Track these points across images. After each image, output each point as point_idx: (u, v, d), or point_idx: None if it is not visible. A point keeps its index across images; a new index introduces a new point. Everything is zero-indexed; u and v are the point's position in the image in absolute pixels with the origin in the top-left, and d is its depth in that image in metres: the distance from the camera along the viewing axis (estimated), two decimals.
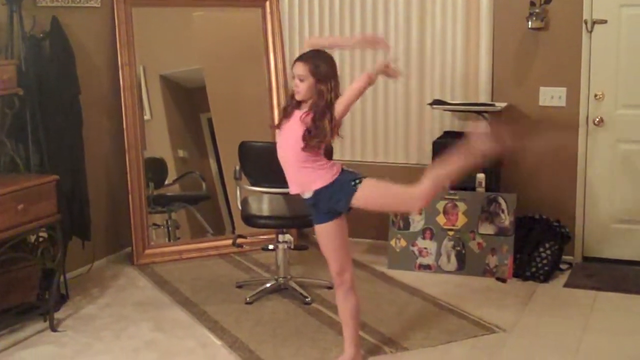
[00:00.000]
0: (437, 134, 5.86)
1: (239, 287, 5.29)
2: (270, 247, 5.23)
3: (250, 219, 5.08)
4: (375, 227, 5.91)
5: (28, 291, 4.74)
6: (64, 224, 4.86)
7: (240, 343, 4.42)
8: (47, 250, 4.69)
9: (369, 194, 3.87)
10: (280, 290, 5.15)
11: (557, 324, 4.65)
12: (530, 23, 5.52)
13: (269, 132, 6.16)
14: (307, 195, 3.94)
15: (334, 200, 3.88)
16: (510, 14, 5.61)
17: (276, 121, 4.05)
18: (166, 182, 6.26)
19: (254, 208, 5.18)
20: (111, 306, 5.03)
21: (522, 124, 5.63)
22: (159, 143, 6.25)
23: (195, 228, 6.35)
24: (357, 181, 3.85)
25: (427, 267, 5.55)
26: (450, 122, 5.88)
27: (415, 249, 5.59)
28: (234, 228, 6.12)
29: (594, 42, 5.46)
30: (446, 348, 4.34)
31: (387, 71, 4.01)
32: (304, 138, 3.83)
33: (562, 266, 5.51)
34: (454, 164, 3.83)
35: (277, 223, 5.12)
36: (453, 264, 5.51)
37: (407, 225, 5.62)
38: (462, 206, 5.50)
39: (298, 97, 3.90)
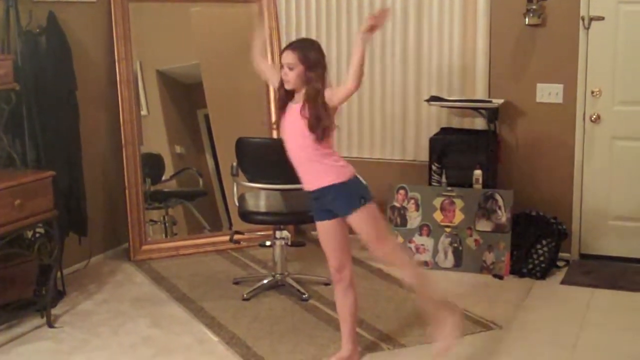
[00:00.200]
0: (434, 130, 5.86)
1: (236, 283, 5.29)
2: (268, 243, 5.22)
3: (247, 215, 5.07)
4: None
5: (25, 287, 4.74)
6: (61, 219, 4.85)
7: (237, 339, 4.42)
8: (44, 246, 4.68)
9: (365, 218, 3.87)
10: (277, 286, 5.15)
11: (553, 321, 4.65)
12: (527, 19, 5.52)
13: (266, 128, 6.18)
14: (313, 187, 3.93)
15: (336, 203, 3.88)
16: (508, 10, 5.61)
17: (273, 119, 4.04)
18: (163, 178, 6.25)
19: (251, 204, 5.17)
20: (108, 302, 5.03)
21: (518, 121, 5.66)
22: (156, 139, 6.24)
23: (193, 224, 6.34)
24: (364, 201, 3.85)
25: (424, 264, 5.55)
26: (447, 119, 5.88)
27: (412, 245, 5.59)
28: (231, 224, 6.12)
29: (591, 39, 5.46)
30: None
31: (374, 23, 3.77)
32: (310, 129, 3.81)
33: (559, 263, 5.51)
34: (432, 301, 3.92)
35: (274, 219, 5.12)
36: (450, 260, 5.52)
37: (404, 221, 5.62)
38: (459, 203, 5.50)
39: (288, 86, 3.89)
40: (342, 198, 3.86)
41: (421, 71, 5.92)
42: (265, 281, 5.16)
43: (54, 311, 4.76)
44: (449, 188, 5.55)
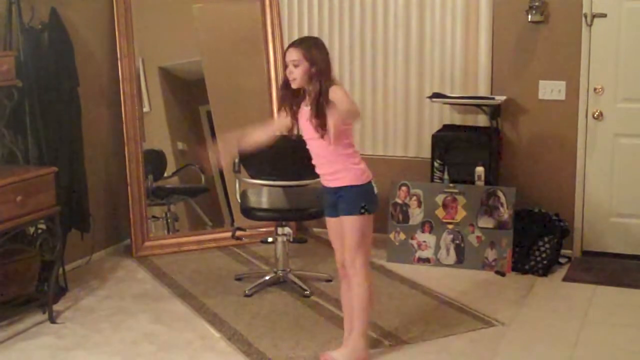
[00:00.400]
0: (437, 127, 5.85)
1: (238, 279, 5.29)
2: (270, 239, 5.23)
3: (249, 212, 5.07)
4: (374, 220, 5.90)
5: (27, 283, 4.74)
6: (63, 215, 4.86)
7: (239, 335, 4.42)
8: (46, 242, 4.68)
9: (357, 227, 3.91)
10: (279, 283, 5.15)
11: (555, 318, 4.65)
12: (530, 16, 5.51)
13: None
14: (330, 185, 3.96)
15: (339, 202, 3.90)
16: (510, 7, 5.60)
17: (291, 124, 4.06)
18: (165, 175, 6.25)
19: (253, 201, 5.17)
20: (110, 298, 5.03)
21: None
22: (158, 135, 6.25)
23: (194, 220, 6.35)
24: (364, 211, 3.88)
25: (426, 261, 5.56)
26: (450, 116, 5.87)
27: (414, 242, 5.59)
28: (233, 220, 6.11)
29: (594, 36, 5.45)
30: (445, 341, 4.34)
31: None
32: (315, 129, 3.84)
33: (561, 260, 5.51)
34: (359, 325, 4.03)
35: (276, 216, 5.12)
36: (452, 257, 5.51)
37: (406, 218, 5.62)
38: (461, 200, 5.50)
39: (294, 85, 3.89)
40: (346, 200, 3.89)
41: (423, 68, 5.91)
42: (267, 277, 5.16)
43: (55, 307, 4.76)
44: (451, 185, 5.55)
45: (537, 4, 5.47)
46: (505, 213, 5.42)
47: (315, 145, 3.94)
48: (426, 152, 5.82)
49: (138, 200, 5.84)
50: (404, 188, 5.64)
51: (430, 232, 5.56)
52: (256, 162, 5.08)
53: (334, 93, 3.79)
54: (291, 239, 5.17)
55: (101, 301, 4.98)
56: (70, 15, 5.33)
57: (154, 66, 6.14)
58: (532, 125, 5.67)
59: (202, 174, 6.31)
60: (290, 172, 4.90)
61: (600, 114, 5.51)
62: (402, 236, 5.61)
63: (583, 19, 5.43)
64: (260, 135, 4.18)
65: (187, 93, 6.40)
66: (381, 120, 6.09)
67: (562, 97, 5.57)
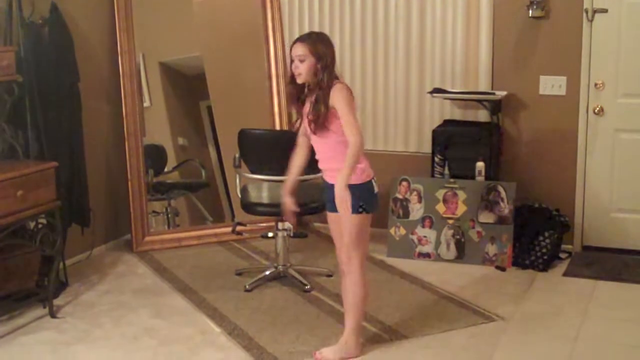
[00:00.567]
0: (437, 122, 5.85)
1: (239, 274, 5.29)
2: (270, 234, 5.23)
3: (249, 207, 5.08)
4: (374, 215, 5.90)
5: (27, 278, 4.74)
6: (63, 210, 4.86)
7: (239, 330, 4.43)
8: (46, 237, 4.69)
9: (355, 225, 3.91)
10: (279, 277, 5.15)
11: (556, 313, 4.65)
12: (530, 11, 5.50)
13: (269, 119, 6.19)
14: (330, 181, 3.97)
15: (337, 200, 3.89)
16: (511, 2, 5.59)
17: (295, 120, 4.07)
18: (165, 170, 6.26)
19: (253, 196, 5.18)
20: (110, 293, 5.04)
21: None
22: (159, 130, 6.25)
23: (195, 215, 6.35)
24: (362, 210, 3.88)
25: (426, 256, 5.56)
26: (450, 111, 5.87)
27: (414, 237, 5.59)
28: (233, 215, 6.12)
29: (595, 31, 5.44)
30: (445, 336, 4.34)
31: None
32: (308, 123, 3.87)
33: (562, 255, 5.51)
34: (352, 323, 4.06)
35: (277, 211, 5.08)
36: (452, 252, 5.52)
37: (406, 213, 5.62)
38: (461, 195, 5.50)
39: (300, 80, 3.90)
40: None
41: (424, 63, 5.90)
42: (267, 272, 5.16)
43: (56, 302, 4.76)
44: (452, 180, 5.55)
45: None
46: (505, 208, 5.41)
47: (316, 140, 3.95)
48: (427, 147, 5.83)
49: (138, 195, 5.84)
50: (404, 183, 5.63)
51: (430, 227, 5.56)
52: (257, 156, 5.09)
53: (337, 102, 3.79)
54: (291, 234, 5.17)
55: (101, 296, 4.98)
56: (70, 10, 5.32)
57: (154, 61, 6.14)
58: (533, 120, 5.66)
59: (202, 169, 6.32)
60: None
61: (601, 109, 5.51)
62: (403, 231, 5.61)
63: (584, 14, 5.43)
64: (301, 159, 4.15)
65: (187, 88, 6.40)
66: (382, 116, 6.09)
67: (563, 92, 5.57)
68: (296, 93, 3.98)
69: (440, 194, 5.54)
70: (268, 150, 5.03)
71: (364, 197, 3.88)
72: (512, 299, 4.84)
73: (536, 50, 5.60)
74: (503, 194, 5.42)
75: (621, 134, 5.52)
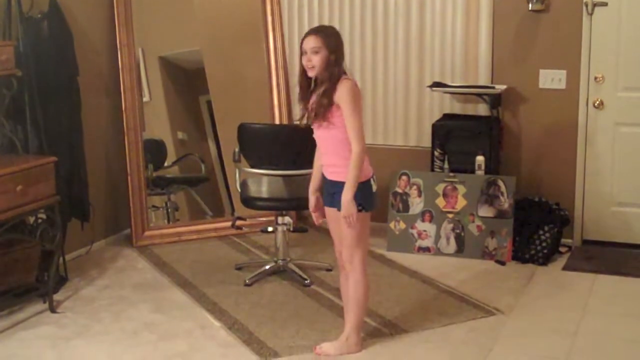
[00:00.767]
0: (437, 116, 5.85)
1: (238, 269, 5.29)
2: (270, 229, 5.23)
3: (249, 201, 5.07)
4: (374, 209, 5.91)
5: (27, 272, 4.74)
6: (63, 205, 4.86)
7: (239, 324, 4.43)
8: (46, 232, 4.68)
9: (355, 224, 3.88)
10: (279, 272, 5.16)
11: (555, 307, 4.65)
12: (530, 5, 5.50)
13: (268, 114, 6.18)
14: (328, 177, 3.97)
15: (335, 198, 3.89)
16: None
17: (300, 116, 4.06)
18: (165, 164, 6.25)
19: (253, 190, 5.17)
20: (110, 288, 5.04)
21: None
22: (158, 125, 6.25)
23: (195, 210, 6.35)
24: (361, 208, 3.86)
25: (426, 250, 5.56)
26: (450, 105, 5.87)
27: (414, 231, 5.59)
28: (233, 210, 6.12)
29: (594, 25, 5.43)
30: (445, 330, 4.34)
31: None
32: (314, 112, 3.86)
33: (561, 249, 5.51)
34: (354, 319, 4.06)
35: (276, 205, 5.12)
36: (452, 246, 5.51)
37: (406, 207, 5.62)
38: (461, 189, 5.49)
39: (313, 73, 3.86)
40: (341, 195, 3.85)
41: (424, 57, 5.90)
42: (267, 267, 5.16)
43: (56, 297, 4.76)
44: (452, 174, 5.54)
45: None
46: (505, 202, 5.41)
47: (319, 135, 3.94)
48: (426, 141, 5.82)
49: (138, 189, 5.83)
50: (404, 177, 5.63)
51: (430, 222, 5.56)
52: (256, 151, 5.08)
53: (343, 101, 3.79)
54: (291, 229, 5.17)
55: (101, 291, 4.98)
56: (69, 4, 5.31)
57: (153, 55, 6.14)
58: (533, 114, 5.66)
59: (202, 164, 6.31)
60: (291, 161, 4.90)
61: (601, 102, 5.50)
62: (402, 225, 5.61)
63: (584, 7, 5.42)
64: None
65: (187, 82, 6.39)
66: (381, 110, 6.08)
67: (563, 86, 5.56)
68: (307, 87, 3.96)
69: (440, 188, 5.54)
70: (268, 145, 5.03)
71: (362, 196, 3.87)
72: (512, 293, 4.84)
73: (536, 44, 5.59)
74: (503, 188, 5.42)
75: (621, 128, 5.51)
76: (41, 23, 5.05)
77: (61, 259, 4.94)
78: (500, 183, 5.43)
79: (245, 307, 4.68)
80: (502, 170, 5.64)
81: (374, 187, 3.95)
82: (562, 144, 5.61)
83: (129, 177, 5.80)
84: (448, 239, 5.52)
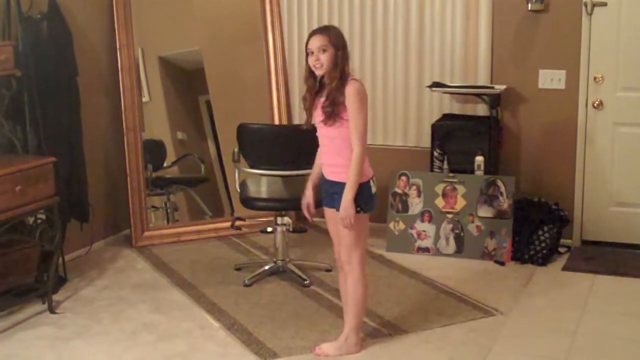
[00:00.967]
0: (436, 116, 5.84)
1: (238, 269, 5.29)
2: (269, 229, 5.22)
3: (248, 202, 5.07)
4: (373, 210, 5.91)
5: (26, 273, 4.74)
6: (62, 206, 4.86)
7: (238, 325, 4.43)
8: (45, 232, 4.68)
9: (354, 225, 3.87)
10: (278, 272, 5.15)
11: (555, 307, 4.65)
12: (529, 5, 5.49)
13: (268, 114, 6.18)
14: (328, 177, 3.97)
15: (335, 198, 3.89)
16: None
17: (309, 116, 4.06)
18: (165, 165, 6.25)
19: (252, 190, 5.17)
20: (110, 288, 5.04)
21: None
22: (158, 125, 6.24)
23: (194, 210, 6.35)
24: (360, 210, 3.86)
25: (425, 250, 5.56)
26: (450, 105, 5.86)
27: (413, 231, 5.59)
28: (232, 210, 6.12)
29: (594, 25, 5.43)
30: (444, 331, 4.34)
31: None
32: (323, 112, 3.86)
33: (561, 249, 5.51)
34: (353, 320, 4.06)
35: (276, 205, 5.11)
36: (452, 247, 5.51)
37: (405, 208, 5.61)
38: (461, 189, 5.49)
39: (320, 72, 3.86)
40: (342, 197, 3.85)
41: (423, 57, 5.89)
42: (266, 267, 5.16)
43: (55, 297, 4.76)
44: (451, 174, 5.54)
45: None
46: (504, 202, 5.41)
47: (324, 134, 3.93)
48: (426, 142, 5.82)
49: (137, 190, 5.83)
50: (403, 177, 5.63)
51: (429, 222, 5.56)
52: (256, 151, 5.08)
53: (350, 103, 3.80)
54: (290, 229, 5.17)
55: (100, 291, 4.98)
56: (69, 4, 5.31)
57: (153, 56, 6.13)
58: (532, 114, 5.66)
59: (201, 164, 6.31)
60: (290, 161, 4.90)
61: (600, 103, 5.50)
62: (402, 226, 5.61)
63: (583, 7, 5.42)
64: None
65: (186, 83, 6.39)
66: (381, 110, 6.08)
67: (562, 86, 5.56)
68: (313, 88, 3.95)
69: (439, 188, 5.54)
70: (267, 145, 5.03)
71: (362, 197, 3.86)
72: (511, 294, 4.84)
73: (535, 44, 5.59)
74: (502, 188, 5.42)
75: (620, 128, 5.51)
76: (40, 23, 5.05)
77: (60, 259, 4.94)
78: (500, 183, 5.43)
79: (244, 307, 4.68)
80: (501, 171, 5.64)
81: (374, 189, 3.94)
82: (562, 144, 5.61)
83: (128, 178, 5.80)
84: (447, 239, 5.52)
